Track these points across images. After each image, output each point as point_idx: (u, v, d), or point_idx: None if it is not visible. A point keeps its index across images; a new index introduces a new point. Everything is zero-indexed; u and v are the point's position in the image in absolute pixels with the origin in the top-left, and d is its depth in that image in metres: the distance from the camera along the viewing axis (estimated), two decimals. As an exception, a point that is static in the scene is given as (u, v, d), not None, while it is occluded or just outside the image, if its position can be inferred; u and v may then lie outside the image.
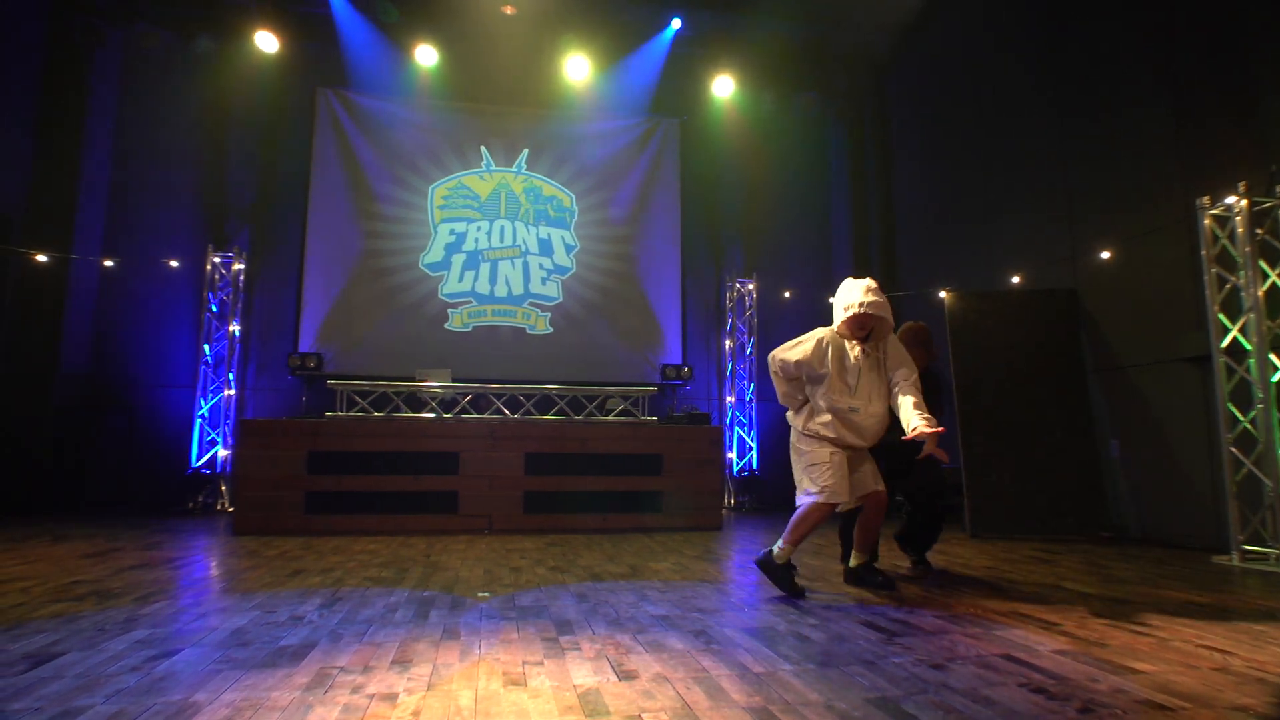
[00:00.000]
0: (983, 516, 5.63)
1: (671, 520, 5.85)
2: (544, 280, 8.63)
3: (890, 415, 3.31)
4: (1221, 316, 4.58)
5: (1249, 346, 4.45)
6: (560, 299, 8.63)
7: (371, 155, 8.43)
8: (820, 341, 3.30)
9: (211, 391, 7.53)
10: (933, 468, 3.89)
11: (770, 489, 8.26)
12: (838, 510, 3.31)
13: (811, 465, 3.25)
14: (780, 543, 3.26)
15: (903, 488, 3.91)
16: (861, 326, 3.24)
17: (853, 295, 3.24)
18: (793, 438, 3.41)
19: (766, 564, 3.30)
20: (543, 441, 5.84)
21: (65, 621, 2.66)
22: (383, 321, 8.18)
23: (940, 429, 3.03)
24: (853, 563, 3.50)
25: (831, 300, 3.42)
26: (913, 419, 3.05)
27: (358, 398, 6.16)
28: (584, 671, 2.13)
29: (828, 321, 3.42)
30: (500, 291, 8.52)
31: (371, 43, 8.28)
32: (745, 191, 9.39)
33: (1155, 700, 1.89)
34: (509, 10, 8.04)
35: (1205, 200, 4.64)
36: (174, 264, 7.58)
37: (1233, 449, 4.47)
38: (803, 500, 3.25)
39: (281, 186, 8.30)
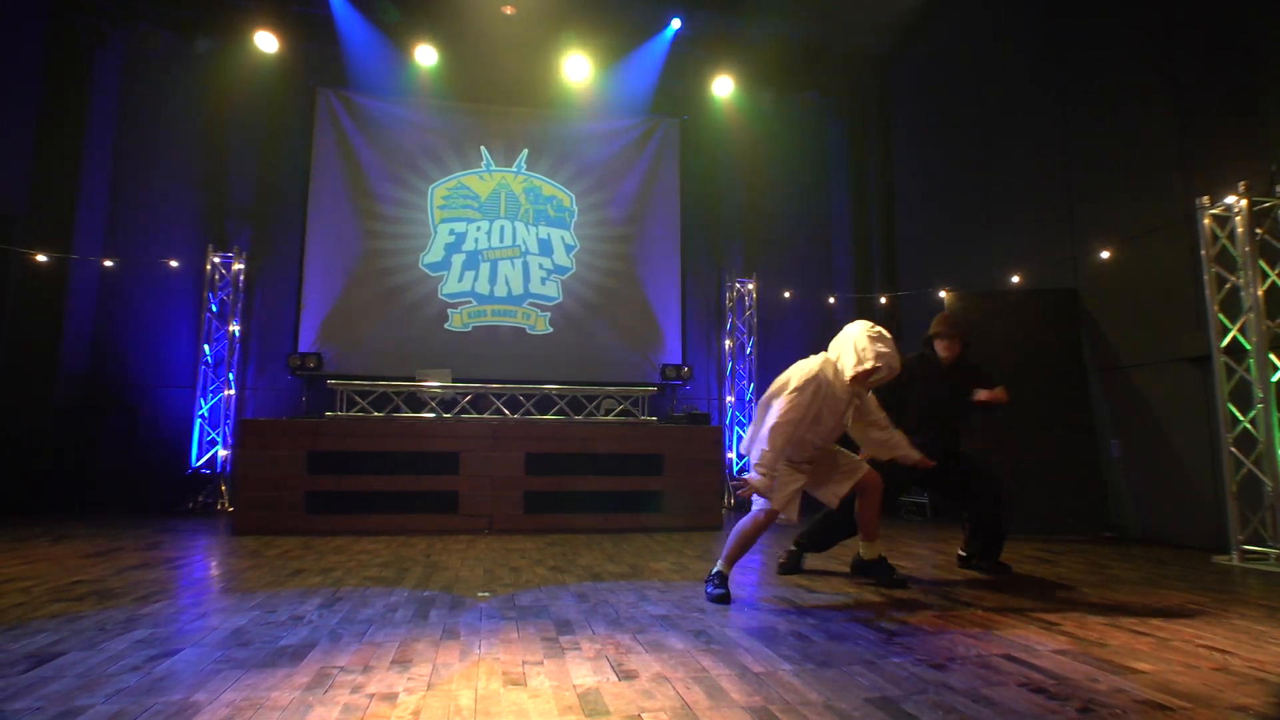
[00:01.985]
0: (983, 516, 5.62)
1: (671, 520, 5.85)
2: (544, 280, 8.63)
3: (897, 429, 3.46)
4: (1221, 316, 4.58)
5: (1249, 346, 4.45)
6: (560, 299, 8.63)
7: (371, 155, 8.43)
8: (813, 396, 3.13)
9: (211, 391, 7.53)
10: (988, 478, 3.88)
11: (770, 489, 8.24)
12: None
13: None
14: (722, 561, 3.28)
15: (965, 503, 3.94)
16: (871, 378, 3.16)
17: (868, 347, 3.11)
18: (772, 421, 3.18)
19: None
20: (543, 441, 5.84)
21: (66, 621, 2.66)
22: (383, 321, 8.18)
23: (929, 463, 3.45)
24: (867, 554, 3.51)
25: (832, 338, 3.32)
26: (911, 453, 3.43)
27: (358, 398, 6.16)
28: (584, 671, 2.13)
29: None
30: (500, 291, 8.52)
31: (371, 43, 8.28)
32: (745, 191, 9.38)
33: (1155, 700, 1.89)
34: (509, 10, 8.03)
35: (1205, 200, 4.64)
36: (174, 264, 7.59)
37: (1233, 449, 4.47)
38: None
39: (281, 186, 8.30)
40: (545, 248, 8.69)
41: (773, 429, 3.06)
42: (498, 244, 8.60)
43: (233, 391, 7.65)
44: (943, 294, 6.30)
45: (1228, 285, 4.59)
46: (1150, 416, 5.42)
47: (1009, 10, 7.10)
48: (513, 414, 6.33)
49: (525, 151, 8.82)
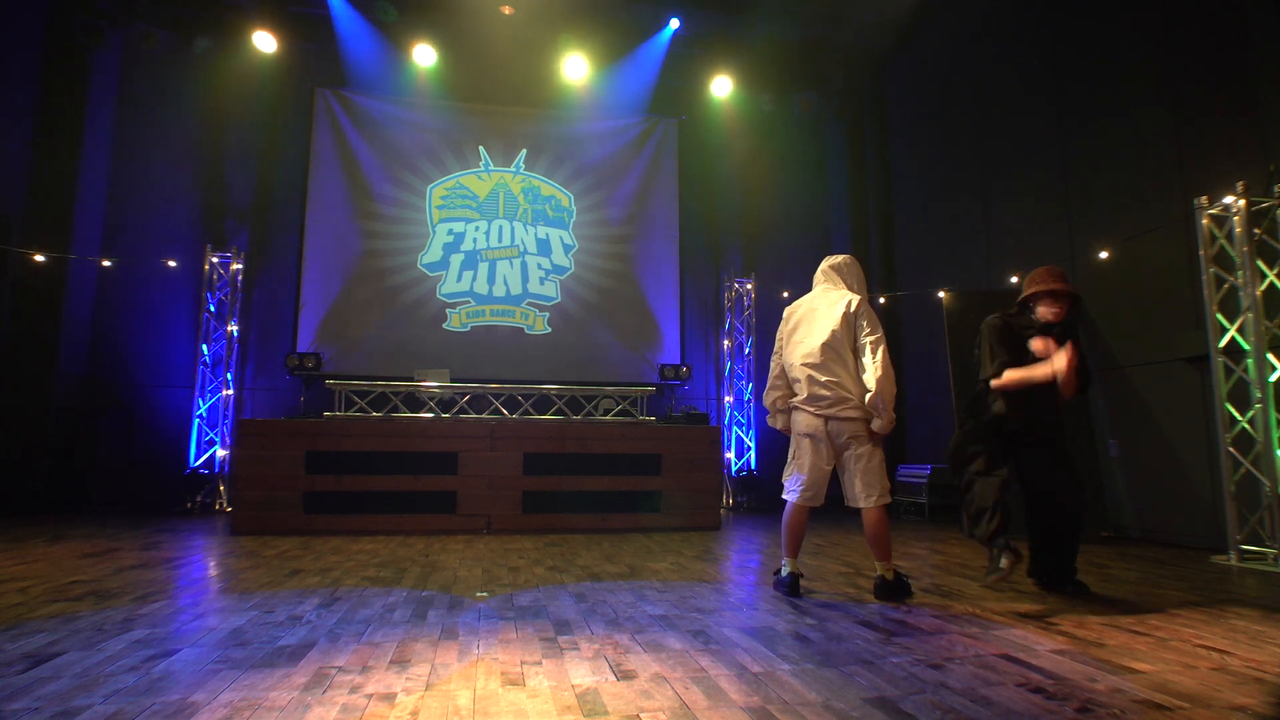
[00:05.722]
0: (981, 516, 5.62)
1: (670, 520, 5.85)
2: (542, 280, 8.62)
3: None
4: (1219, 316, 4.58)
5: (1247, 346, 4.46)
6: (558, 299, 8.62)
7: (370, 155, 8.43)
8: None
9: (210, 391, 7.52)
10: (1054, 468, 3.30)
11: (768, 489, 8.24)
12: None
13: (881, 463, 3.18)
14: (879, 564, 3.17)
15: (1032, 496, 3.34)
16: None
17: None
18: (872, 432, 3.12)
19: (885, 589, 3.15)
20: (541, 441, 5.84)
21: (64, 621, 2.65)
22: (381, 321, 8.17)
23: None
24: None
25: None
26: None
27: (356, 398, 6.16)
28: (582, 671, 2.13)
29: None
30: (499, 291, 8.52)
31: (370, 42, 8.28)
32: (743, 191, 9.39)
33: (1153, 700, 1.89)
34: (507, 10, 8.03)
35: (1203, 200, 4.65)
36: (172, 264, 7.58)
37: (1231, 449, 4.48)
38: (878, 507, 3.10)
39: (280, 186, 8.29)
40: (544, 248, 8.69)
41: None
42: (496, 244, 8.60)
43: (231, 391, 7.64)
44: (941, 294, 6.30)
45: (1226, 285, 4.60)
46: (1148, 416, 5.42)
47: (1007, 11, 7.11)
48: (511, 414, 6.33)
49: (524, 151, 8.82)
